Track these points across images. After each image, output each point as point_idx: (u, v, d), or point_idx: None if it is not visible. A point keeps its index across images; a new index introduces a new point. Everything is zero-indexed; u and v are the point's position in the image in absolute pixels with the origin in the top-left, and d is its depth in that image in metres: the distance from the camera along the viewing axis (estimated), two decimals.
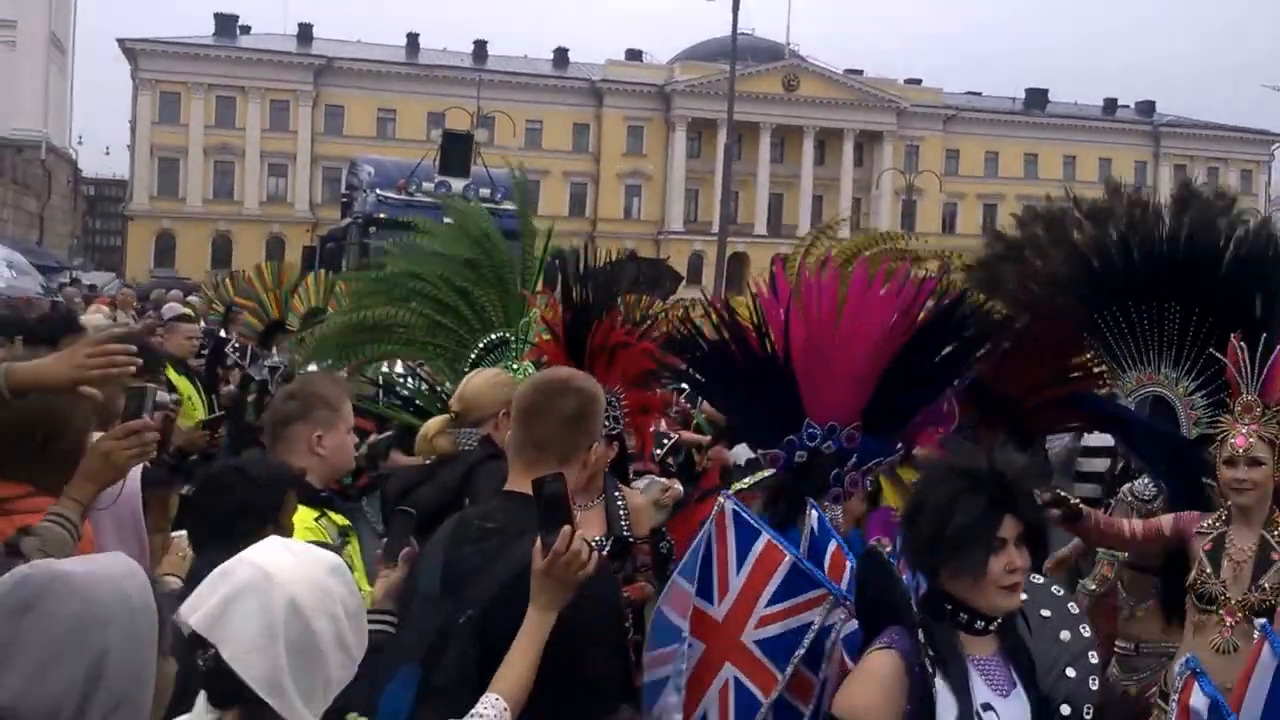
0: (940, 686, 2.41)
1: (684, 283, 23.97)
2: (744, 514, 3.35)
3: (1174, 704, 2.11)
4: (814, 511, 3.56)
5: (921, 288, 3.95)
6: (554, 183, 69.83)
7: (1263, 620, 2.73)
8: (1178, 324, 4.85)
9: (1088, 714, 2.57)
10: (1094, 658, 2.65)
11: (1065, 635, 2.66)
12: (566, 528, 2.44)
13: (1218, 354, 4.27)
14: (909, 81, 75.90)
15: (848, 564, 3.32)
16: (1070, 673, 2.61)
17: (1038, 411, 4.77)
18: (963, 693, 2.41)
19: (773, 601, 3.21)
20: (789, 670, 3.14)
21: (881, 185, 70.13)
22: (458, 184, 16.63)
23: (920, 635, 2.45)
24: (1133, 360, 4.97)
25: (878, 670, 2.48)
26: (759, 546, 3.27)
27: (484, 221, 5.92)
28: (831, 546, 3.41)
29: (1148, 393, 4.93)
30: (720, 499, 3.45)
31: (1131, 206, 5.50)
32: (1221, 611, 3.92)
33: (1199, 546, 4.11)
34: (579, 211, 71.11)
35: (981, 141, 75.22)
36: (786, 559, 3.22)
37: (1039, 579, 2.71)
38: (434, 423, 4.46)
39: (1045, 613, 2.67)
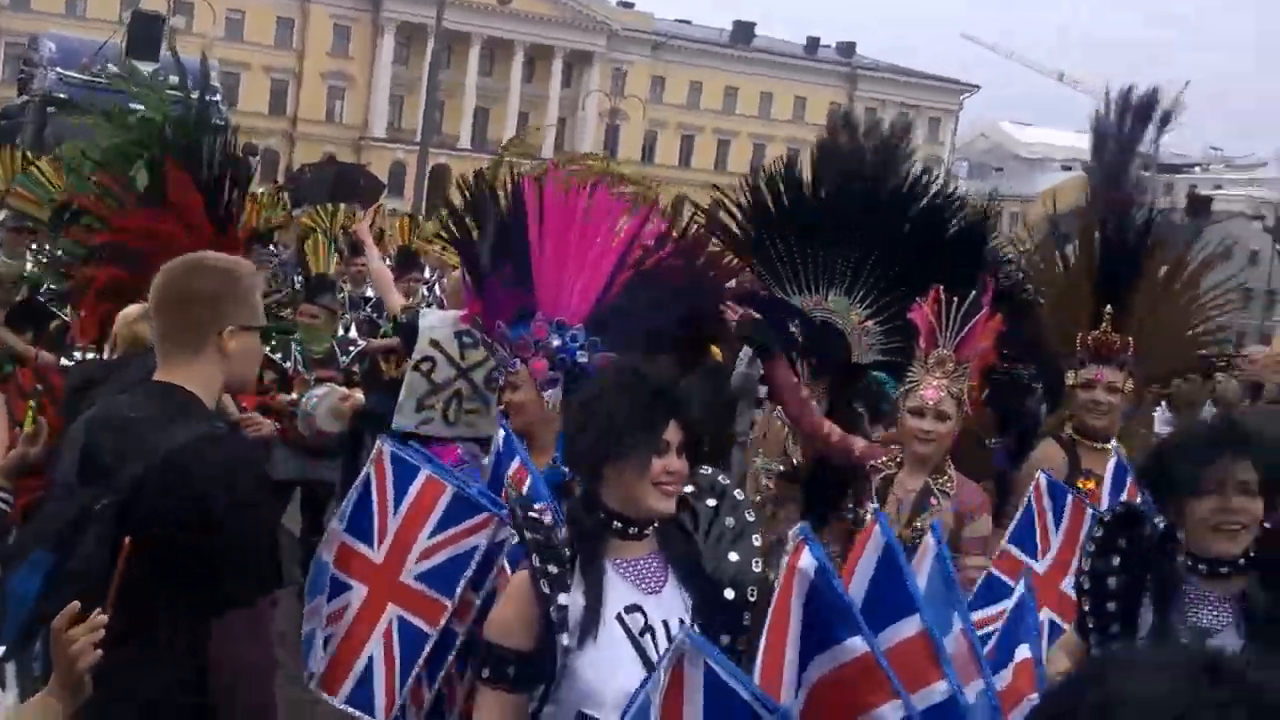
0: (573, 595, 2.51)
1: (385, 192, 23.44)
2: (402, 454, 3.35)
3: (783, 565, 2.15)
4: (501, 430, 3.62)
5: (651, 214, 4.14)
6: (254, 78, 66.53)
7: (875, 505, 2.91)
8: (852, 263, 4.97)
9: (752, 596, 2.61)
10: (757, 540, 2.68)
11: (730, 521, 2.69)
12: (76, 603, 2.27)
13: (921, 304, 4.32)
14: (621, 4, 76.10)
15: (529, 476, 3.37)
16: (733, 556, 2.64)
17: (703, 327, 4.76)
18: (593, 600, 2.51)
19: (435, 533, 3.23)
20: (457, 594, 3.18)
21: (587, 107, 70.38)
22: (146, 68, 15.71)
23: (535, 558, 2.51)
24: (798, 288, 5.08)
25: (512, 589, 2.61)
26: (418, 483, 3.27)
27: (169, 110, 5.66)
28: (515, 463, 3.45)
29: (816, 316, 5.03)
30: (379, 442, 3.45)
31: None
32: None
33: (872, 479, 4.25)
34: (279, 110, 68.17)
35: (687, 71, 76.34)
36: (448, 490, 3.24)
37: (706, 469, 2.77)
38: (135, 308, 4.24)
39: (710, 502, 2.72)
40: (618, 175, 5.91)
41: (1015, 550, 4.06)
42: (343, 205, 13.07)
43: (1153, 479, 3.03)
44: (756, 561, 2.65)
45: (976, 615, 3.76)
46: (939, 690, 2.13)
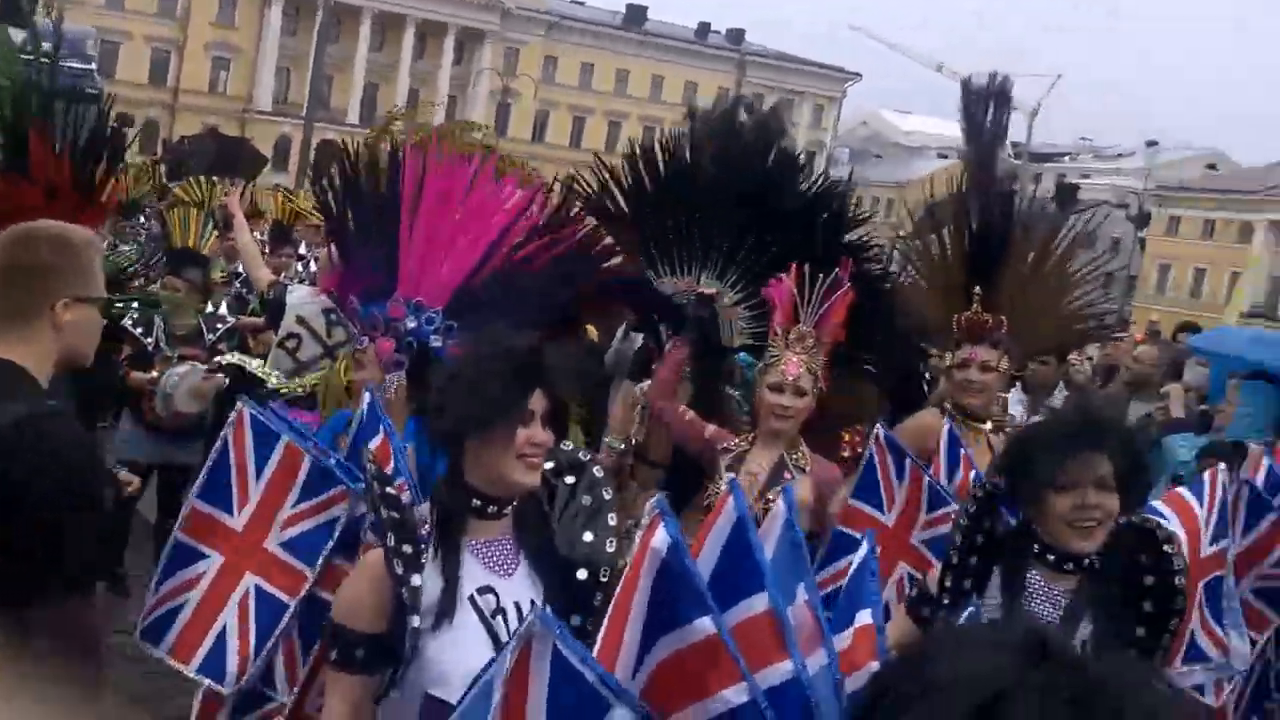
0: (427, 576, 2.47)
1: (269, 166, 23.04)
2: (261, 418, 3.26)
3: (637, 539, 2.12)
4: (368, 394, 3.53)
5: (532, 202, 4.08)
6: (135, 47, 64.70)
7: (731, 475, 2.88)
8: (726, 245, 4.97)
9: (604, 576, 2.57)
10: (613, 520, 2.64)
11: (587, 500, 2.65)
12: None
13: (785, 277, 4.35)
14: None
15: (391, 447, 3.30)
16: (587, 535, 2.59)
17: (582, 303, 4.73)
18: (450, 582, 2.48)
19: (299, 500, 3.17)
20: (319, 565, 3.12)
21: (478, 85, 69.71)
22: (17, 35, 15.24)
23: (389, 538, 2.45)
24: (671, 269, 5.07)
25: (364, 570, 2.57)
26: (279, 450, 3.19)
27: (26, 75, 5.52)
28: (379, 437, 3.35)
29: (689, 298, 5.00)
30: (239, 403, 3.35)
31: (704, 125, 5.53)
32: None
33: (721, 461, 4.26)
34: (160, 81, 66.39)
35: (579, 52, 75.83)
36: (306, 458, 3.17)
37: (568, 444, 2.73)
38: None
39: (569, 479, 2.68)
40: (506, 160, 5.78)
41: (862, 505, 4.11)
42: (216, 180, 12.81)
43: (1011, 471, 3.04)
44: (611, 541, 2.61)
45: (823, 574, 3.84)
46: (783, 670, 2.11)
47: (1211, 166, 72.98)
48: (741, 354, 5.11)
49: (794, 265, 4.30)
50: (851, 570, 2.66)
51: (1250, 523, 4.09)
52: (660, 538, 2.02)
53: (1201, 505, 3.91)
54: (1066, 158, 75.76)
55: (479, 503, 2.56)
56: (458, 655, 2.43)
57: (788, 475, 4.13)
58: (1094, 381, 8.53)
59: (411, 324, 3.82)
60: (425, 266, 3.90)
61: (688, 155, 5.32)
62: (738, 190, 5.07)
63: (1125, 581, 2.94)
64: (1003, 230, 5.04)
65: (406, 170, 4.00)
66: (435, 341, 3.82)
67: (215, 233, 9.66)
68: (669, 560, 2.02)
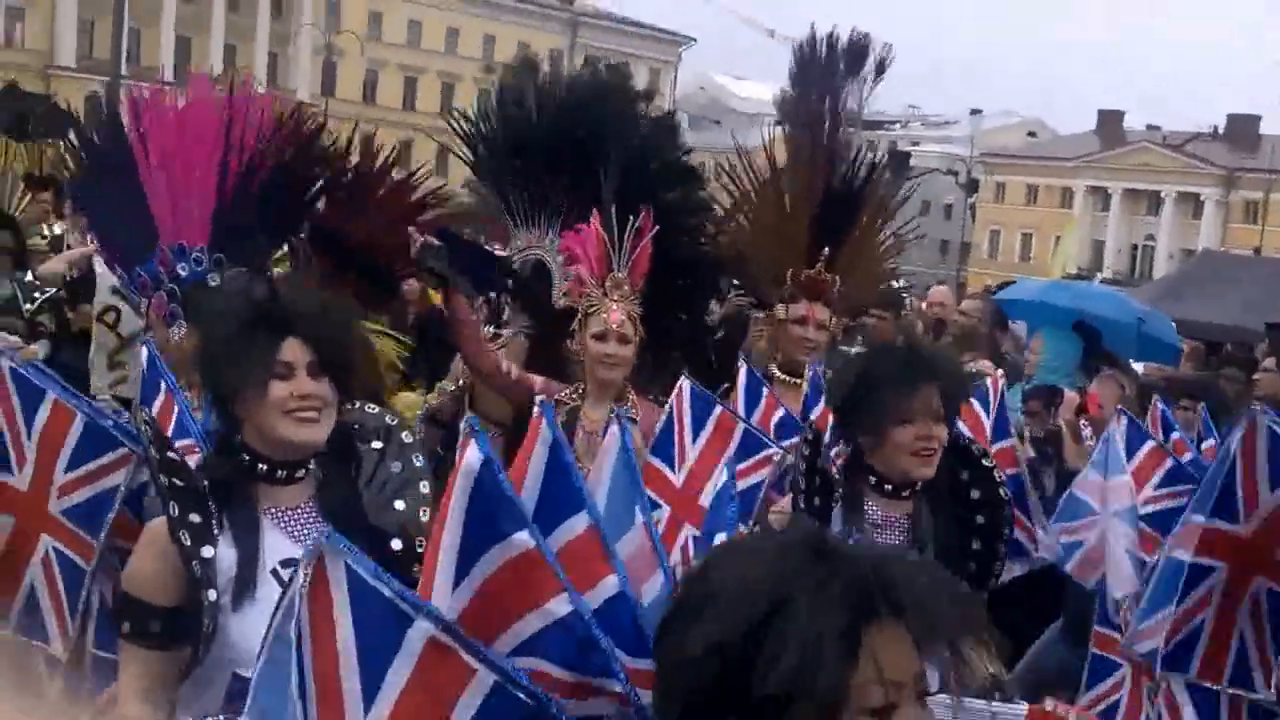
0: (221, 548, 2.35)
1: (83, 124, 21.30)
2: (24, 372, 3.05)
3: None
4: (145, 349, 3.41)
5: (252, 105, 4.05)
6: None
7: (541, 398, 2.78)
8: (565, 195, 4.96)
9: (420, 546, 2.47)
10: (425, 488, 2.58)
11: (397, 466, 2.58)
12: None
13: (590, 225, 4.34)
14: None
15: (176, 405, 3.23)
16: (399, 504, 2.53)
17: (391, 257, 4.67)
18: (248, 555, 2.36)
19: (71, 467, 2.99)
20: (103, 536, 2.97)
21: (299, 42, 67.32)
22: None
23: (173, 507, 2.32)
24: (525, 220, 5.05)
25: (149, 540, 2.42)
26: (45, 407, 3.00)
27: None
28: (160, 396, 3.27)
29: (531, 255, 5.03)
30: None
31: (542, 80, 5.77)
32: None
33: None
34: None
35: (404, 8, 73.94)
36: (78, 418, 2.99)
37: (373, 408, 2.65)
38: None
39: (376, 444, 2.61)
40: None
41: (656, 462, 3.99)
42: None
43: (850, 406, 3.13)
44: (425, 510, 2.51)
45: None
46: (608, 585, 2.11)
47: (1032, 134, 75.58)
48: None
49: (597, 211, 4.33)
50: (713, 496, 2.74)
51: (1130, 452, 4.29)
52: (473, 455, 1.95)
53: (985, 409, 4.28)
54: (897, 125, 77.44)
55: (264, 467, 2.43)
56: (263, 633, 2.24)
57: None
58: (926, 337, 8.80)
59: (183, 270, 3.72)
60: (177, 206, 3.81)
61: (549, 112, 5.22)
62: (606, 150, 5.01)
63: (953, 500, 3.11)
64: (855, 198, 5.18)
65: (129, 117, 3.97)
66: (213, 280, 3.71)
67: (28, 196, 8.68)
68: (482, 477, 1.95)
